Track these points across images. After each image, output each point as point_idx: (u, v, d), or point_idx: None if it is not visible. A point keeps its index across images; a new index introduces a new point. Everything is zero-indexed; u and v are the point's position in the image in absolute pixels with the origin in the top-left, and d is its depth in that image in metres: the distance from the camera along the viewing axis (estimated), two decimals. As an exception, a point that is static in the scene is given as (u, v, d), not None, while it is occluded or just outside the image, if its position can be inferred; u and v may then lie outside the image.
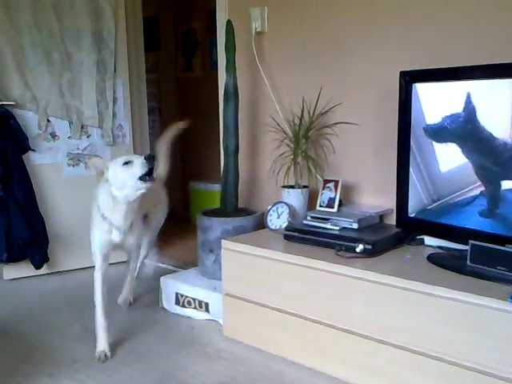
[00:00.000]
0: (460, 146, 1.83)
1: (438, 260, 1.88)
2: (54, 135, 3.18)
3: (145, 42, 3.59)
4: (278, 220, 2.38)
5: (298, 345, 2.04)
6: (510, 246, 1.69)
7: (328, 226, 2.15)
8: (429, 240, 2.09)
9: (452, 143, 1.85)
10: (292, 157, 2.46)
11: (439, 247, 2.05)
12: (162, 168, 2.60)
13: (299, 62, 2.60)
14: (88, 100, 3.23)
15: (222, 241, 2.27)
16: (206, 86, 4.35)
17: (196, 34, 4.70)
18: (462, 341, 1.59)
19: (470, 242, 1.78)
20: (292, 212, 2.37)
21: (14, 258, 3.00)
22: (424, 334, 1.67)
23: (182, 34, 4.84)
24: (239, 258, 2.20)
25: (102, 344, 2.11)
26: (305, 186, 2.46)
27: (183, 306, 2.54)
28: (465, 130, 1.81)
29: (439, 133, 1.89)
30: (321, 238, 2.10)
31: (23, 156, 3.03)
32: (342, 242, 2.02)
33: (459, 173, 1.85)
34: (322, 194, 2.34)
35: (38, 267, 3.07)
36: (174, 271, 3.13)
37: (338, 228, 2.13)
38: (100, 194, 2.12)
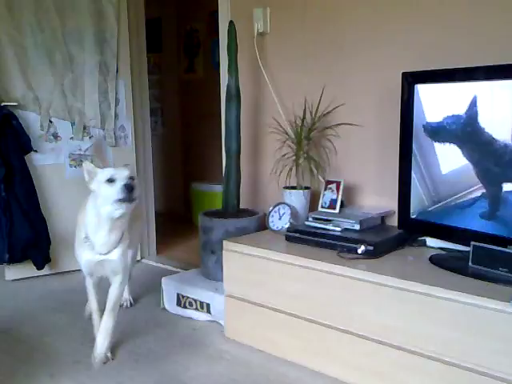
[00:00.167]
0: (461, 148, 1.83)
1: (440, 261, 1.88)
2: (56, 136, 3.18)
3: (147, 42, 3.59)
4: (279, 221, 2.38)
5: (300, 346, 2.04)
6: (511, 247, 1.69)
7: (330, 227, 2.15)
8: (431, 241, 2.09)
9: (453, 144, 1.85)
10: (294, 158, 2.46)
11: (441, 248, 2.04)
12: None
13: (301, 63, 2.60)
14: (90, 101, 3.23)
15: (224, 242, 2.27)
16: (208, 86, 4.36)
17: (198, 34, 4.71)
18: (464, 342, 1.58)
19: (472, 243, 1.77)
20: (294, 213, 2.37)
21: (15, 258, 3.00)
22: (425, 336, 1.67)
23: (184, 34, 4.85)
24: (241, 258, 2.20)
25: (102, 347, 2.08)
26: (306, 187, 2.45)
27: (184, 306, 2.53)
28: (466, 131, 1.80)
29: (440, 134, 1.89)
30: (322, 239, 2.10)
31: (25, 157, 3.04)
32: (343, 243, 2.02)
33: (460, 174, 1.85)
34: (323, 195, 2.34)
35: (39, 268, 3.07)
36: (176, 272, 3.14)
37: (339, 229, 2.12)
38: (88, 207, 2.03)
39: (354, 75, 2.40)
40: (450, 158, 1.87)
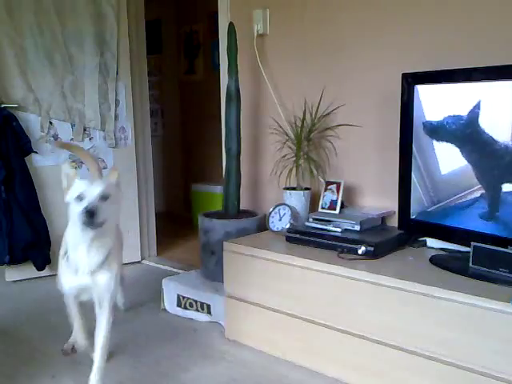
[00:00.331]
0: (460, 149, 1.83)
1: (441, 262, 1.88)
2: (56, 137, 3.19)
3: (147, 44, 3.60)
4: (279, 222, 2.38)
5: (300, 347, 2.04)
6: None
7: (330, 227, 2.15)
8: (431, 242, 2.09)
9: (452, 145, 1.85)
10: (294, 159, 2.46)
11: (441, 249, 2.04)
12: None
13: (301, 64, 2.60)
14: (90, 102, 3.24)
15: (224, 243, 2.27)
16: (208, 88, 4.36)
17: (198, 36, 4.71)
18: (464, 342, 1.59)
19: (473, 243, 1.77)
20: (294, 214, 2.37)
21: (16, 259, 3.01)
22: (426, 336, 1.67)
23: (184, 36, 4.85)
24: (241, 259, 2.20)
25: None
26: (307, 188, 2.46)
27: (185, 307, 2.54)
28: (465, 132, 1.81)
29: (440, 134, 1.89)
30: (323, 240, 2.10)
31: (26, 158, 3.04)
32: (344, 244, 2.02)
33: (459, 175, 1.85)
34: (323, 195, 2.34)
35: (40, 269, 3.07)
36: (176, 273, 3.14)
37: (340, 230, 2.12)
38: (70, 223, 1.77)
39: (354, 76, 2.41)
40: (449, 159, 1.87)
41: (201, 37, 4.69)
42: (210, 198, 4.30)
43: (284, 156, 2.51)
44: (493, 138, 1.73)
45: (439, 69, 1.91)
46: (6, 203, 2.94)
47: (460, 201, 1.85)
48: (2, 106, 2.97)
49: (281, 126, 2.57)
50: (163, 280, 2.65)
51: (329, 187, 2.34)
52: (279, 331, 2.10)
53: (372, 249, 1.94)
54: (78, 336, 2.08)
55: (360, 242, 1.98)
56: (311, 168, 2.44)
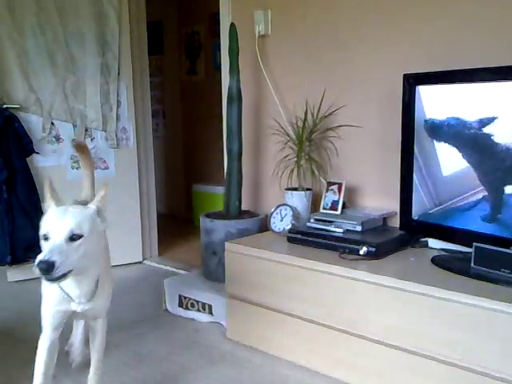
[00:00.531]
0: (462, 150, 1.83)
1: (442, 262, 1.88)
2: (58, 138, 3.19)
3: (148, 45, 3.61)
4: (281, 222, 2.38)
5: (302, 347, 2.04)
6: (514, 248, 1.69)
7: (331, 228, 2.15)
8: (432, 242, 2.09)
9: (454, 146, 1.85)
10: (295, 159, 2.46)
11: (443, 250, 2.04)
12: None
13: (302, 65, 2.60)
14: (92, 103, 3.24)
15: (226, 243, 2.27)
16: (209, 88, 4.37)
17: (200, 37, 4.72)
18: (465, 343, 1.59)
19: (474, 244, 1.77)
20: (295, 214, 2.37)
21: (17, 259, 3.01)
22: (427, 336, 1.67)
23: (185, 37, 4.86)
24: (243, 260, 2.20)
25: None
26: (308, 189, 2.46)
27: (186, 308, 2.54)
28: (467, 133, 1.81)
29: (441, 136, 1.89)
30: (324, 241, 2.10)
31: (27, 158, 3.05)
32: (345, 245, 2.02)
33: (461, 177, 1.85)
34: (325, 196, 2.34)
35: (41, 269, 3.08)
36: (177, 273, 3.14)
37: (341, 230, 2.12)
38: None
39: (355, 76, 2.41)
40: (451, 160, 1.87)
41: (202, 37, 4.70)
42: (211, 198, 4.31)
43: (285, 156, 2.51)
44: (495, 140, 1.73)
45: (441, 69, 1.91)
46: (7, 203, 2.94)
47: (462, 203, 1.85)
48: (4, 106, 2.98)
49: (282, 127, 2.57)
50: (165, 280, 2.65)
51: (330, 188, 2.34)
52: (280, 331, 2.10)
53: (374, 249, 1.94)
54: (74, 348, 2.05)
55: (362, 243, 1.98)
56: (313, 168, 2.44)
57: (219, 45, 2.92)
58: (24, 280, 3.13)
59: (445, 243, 2.04)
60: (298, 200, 2.42)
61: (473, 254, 1.78)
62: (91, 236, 1.41)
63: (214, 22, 4.22)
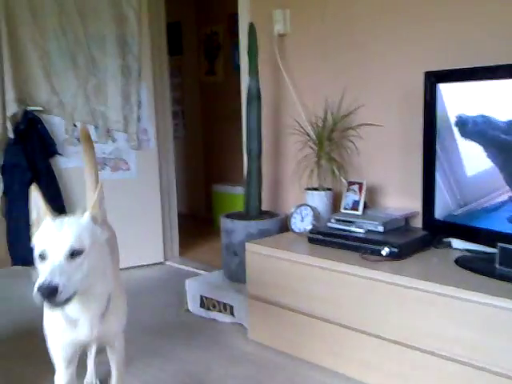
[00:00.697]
0: (486, 150, 1.79)
1: (466, 263, 1.85)
2: (80, 140, 3.23)
3: (168, 46, 3.62)
4: (301, 223, 2.37)
5: (323, 348, 2.03)
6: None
7: (353, 228, 2.14)
8: (456, 243, 2.06)
9: (478, 146, 1.81)
10: (315, 159, 2.45)
11: (467, 250, 2.01)
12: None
13: (322, 64, 2.59)
14: (113, 104, 3.27)
15: (246, 244, 2.28)
16: (228, 88, 4.38)
17: (218, 37, 4.73)
18: (491, 345, 1.56)
19: (499, 244, 1.74)
20: (316, 215, 2.36)
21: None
22: (452, 338, 1.65)
23: (204, 37, 4.87)
24: (263, 260, 2.20)
25: None
26: (328, 189, 2.44)
27: (208, 308, 2.55)
28: (490, 132, 1.77)
29: (464, 134, 1.85)
30: (346, 241, 2.09)
31: (51, 160, 3.09)
32: (367, 245, 2.01)
33: (486, 178, 1.81)
34: (346, 196, 2.33)
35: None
36: (198, 273, 3.16)
37: (363, 231, 2.11)
38: None
39: (375, 75, 2.39)
40: (474, 160, 1.83)
41: (221, 38, 4.70)
42: (231, 198, 4.31)
43: (305, 156, 2.50)
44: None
45: (462, 67, 1.88)
46: (31, 205, 2.99)
47: (487, 203, 1.82)
48: (28, 109, 3.02)
49: (302, 126, 2.56)
50: (186, 281, 2.66)
51: (351, 187, 2.33)
52: (302, 332, 2.09)
53: (396, 250, 1.92)
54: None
55: (383, 243, 1.96)
56: (333, 168, 2.42)
57: (238, 45, 2.92)
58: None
59: (468, 244, 2.01)
60: (319, 200, 2.41)
61: (497, 254, 1.75)
62: (93, 249, 1.23)
63: (232, 22, 4.22)
